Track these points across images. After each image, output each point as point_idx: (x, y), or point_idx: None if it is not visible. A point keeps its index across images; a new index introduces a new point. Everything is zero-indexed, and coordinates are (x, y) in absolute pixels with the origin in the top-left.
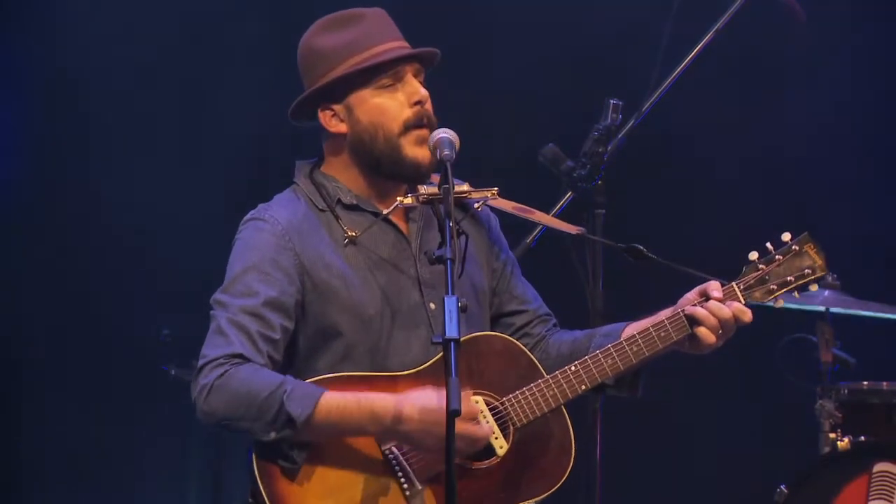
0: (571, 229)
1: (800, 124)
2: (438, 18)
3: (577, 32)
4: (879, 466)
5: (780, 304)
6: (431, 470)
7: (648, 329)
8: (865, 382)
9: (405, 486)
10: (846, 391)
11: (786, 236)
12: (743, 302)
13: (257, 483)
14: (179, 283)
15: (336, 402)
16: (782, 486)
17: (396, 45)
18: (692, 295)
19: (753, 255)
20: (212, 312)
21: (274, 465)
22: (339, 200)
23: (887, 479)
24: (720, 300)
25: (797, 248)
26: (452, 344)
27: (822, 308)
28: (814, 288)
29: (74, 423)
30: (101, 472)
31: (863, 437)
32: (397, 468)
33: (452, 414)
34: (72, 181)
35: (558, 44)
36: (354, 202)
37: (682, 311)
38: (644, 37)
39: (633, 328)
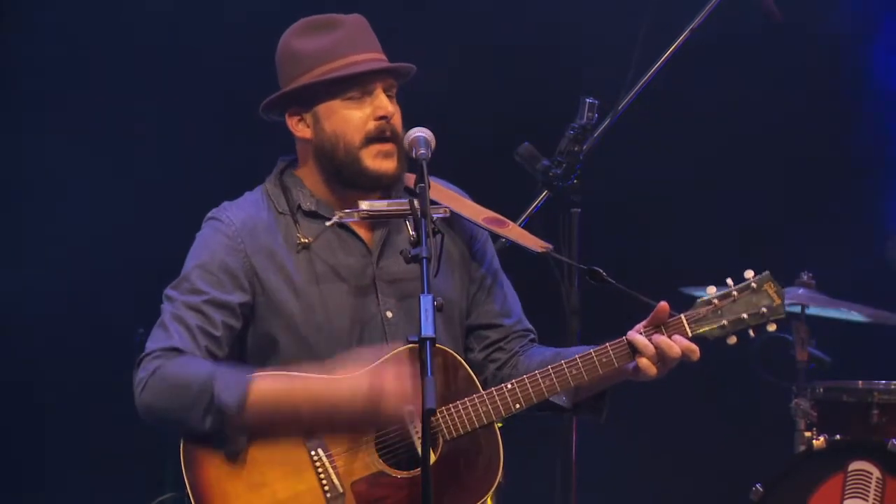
0: (538, 246)
1: (777, 120)
2: (412, 14)
3: (553, 29)
4: (855, 465)
5: (734, 340)
6: (354, 474)
7: (590, 354)
8: (840, 381)
9: (326, 488)
10: (821, 390)
11: (748, 273)
12: (689, 335)
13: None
14: (155, 282)
15: (268, 386)
16: (758, 485)
17: (370, 57)
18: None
19: (711, 290)
20: (161, 306)
21: (200, 458)
22: (299, 206)
23: (863, 477)
24: (664, 331)
25: (755, 285)
26: (428, 342)
27: (797, 307)
28: (771, 328)
29: (49, 422)
30: (78, 471)
31: (838, 436)
32: (320, 470)
33: (428, 413)
34: (42, 173)
35: (534, 41)
36: (314, 208)
37: (625, 338)
38: (621, 35)
39: None
